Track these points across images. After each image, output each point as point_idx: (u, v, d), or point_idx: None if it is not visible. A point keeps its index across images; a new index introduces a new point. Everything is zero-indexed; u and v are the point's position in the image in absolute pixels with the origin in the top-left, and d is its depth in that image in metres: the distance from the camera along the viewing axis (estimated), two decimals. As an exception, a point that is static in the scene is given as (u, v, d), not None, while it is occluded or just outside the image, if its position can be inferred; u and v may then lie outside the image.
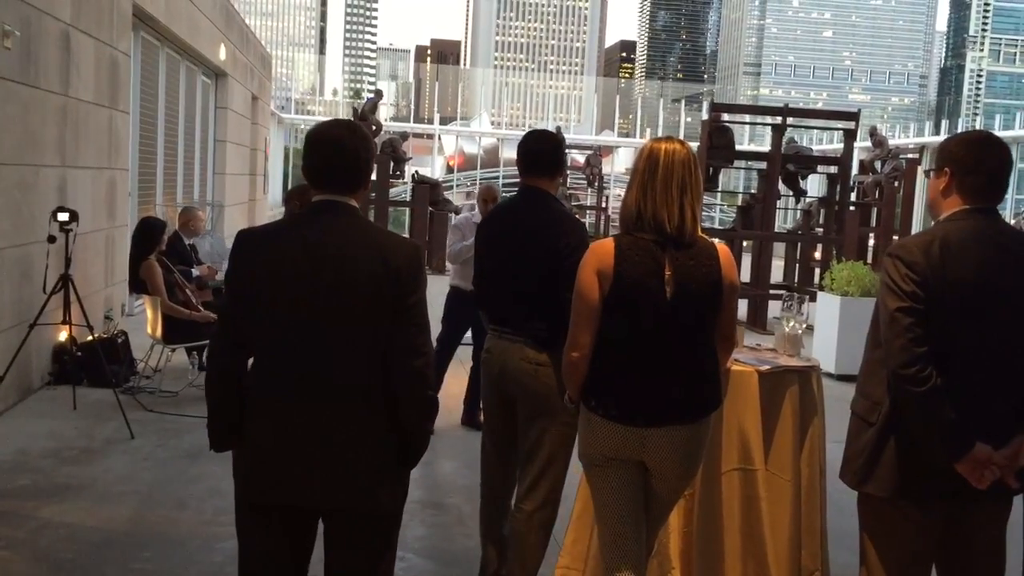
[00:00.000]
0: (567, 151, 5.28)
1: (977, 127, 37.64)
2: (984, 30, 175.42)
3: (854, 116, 12.33)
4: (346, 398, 2.33)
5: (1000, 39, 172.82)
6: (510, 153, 34.92)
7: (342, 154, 2.42)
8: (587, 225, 20.82)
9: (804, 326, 3.69)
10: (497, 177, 34.49)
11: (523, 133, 3.71)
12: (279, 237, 2.40)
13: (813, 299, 9.47)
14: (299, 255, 2.33)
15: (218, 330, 2.45)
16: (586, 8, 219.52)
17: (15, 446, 5.48)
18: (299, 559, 2.45)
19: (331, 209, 2.40)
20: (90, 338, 6.67)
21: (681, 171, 2.65)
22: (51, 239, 6.09)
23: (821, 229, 13.40)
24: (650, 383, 2.69)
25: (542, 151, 3.55)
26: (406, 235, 11.30)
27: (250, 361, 2.44)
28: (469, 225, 6.31)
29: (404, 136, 18.28)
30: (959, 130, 28.97)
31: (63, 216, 6.05)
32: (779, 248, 14.06)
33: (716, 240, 2.78)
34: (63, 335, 6.76)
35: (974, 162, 2.63)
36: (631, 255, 2.64)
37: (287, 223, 2.48)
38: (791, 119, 12.29)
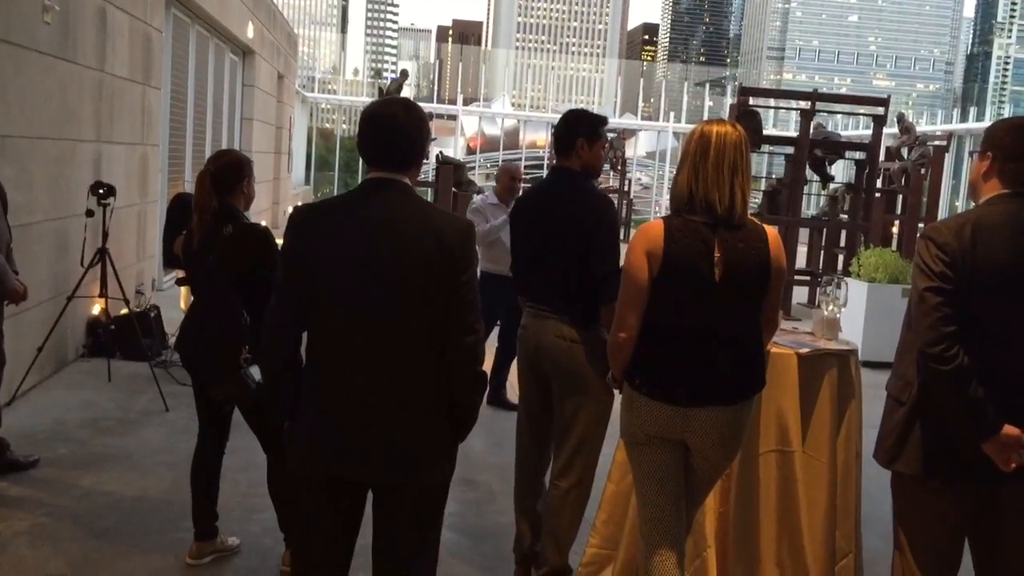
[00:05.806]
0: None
1: (1005, 115, 37.11)
2: (1012, 16, 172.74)
3: (883, 102, 12.20)
4: (400, 373, 2.36)
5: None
6: (531, 135, 34.83)
7: (396, 132, 2.44)
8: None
9: (843, 310, 3.69)
10: (519, 159, 34.48)
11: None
12: (334, 214, 2.43)
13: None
14: (355, 231, 2.35)
15: (273, 305, 2.46)
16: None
17: (53, 416, 5.58)
18: (349, 529, 2.50)
19: (385, 186, 2.42)
20: (124, 311, 6.76)
21: (732, 153, 2.65)
22: (89, 213, 6.17)
23: (846, 215, 13.32)
24: (695, 364, 2.70)
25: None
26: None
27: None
28: (487, 207, 6.34)
29: (429, 117, 18.28)
30: (986, 118, 28.61)
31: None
32: (802, 234, 13.98)
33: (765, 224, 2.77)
34: (96, 308, 6.85)
35: (1018, 149, 2.63)
36: (681, 237, 2.64)
37: (341, 200, 2.49)
38: (819, 104, 12.18)
